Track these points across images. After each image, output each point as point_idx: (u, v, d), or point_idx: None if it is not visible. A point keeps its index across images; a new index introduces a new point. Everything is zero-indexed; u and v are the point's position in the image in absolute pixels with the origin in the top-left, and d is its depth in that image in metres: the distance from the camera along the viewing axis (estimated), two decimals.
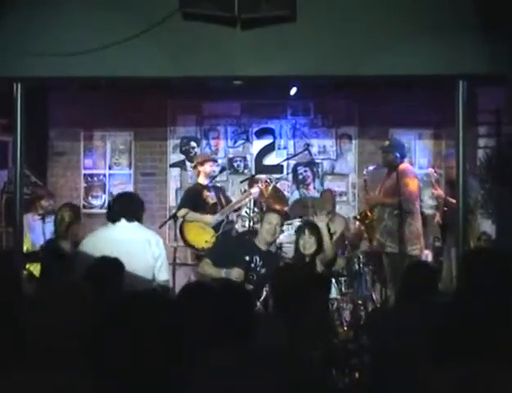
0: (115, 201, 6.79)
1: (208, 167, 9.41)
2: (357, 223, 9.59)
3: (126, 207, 6.50)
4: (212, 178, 9.52)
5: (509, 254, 4.58)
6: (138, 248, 6.26)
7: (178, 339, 2.22)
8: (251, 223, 9.14)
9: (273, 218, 7.38)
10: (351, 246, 9.24)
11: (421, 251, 8.73)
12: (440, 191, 8.91)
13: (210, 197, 9.28)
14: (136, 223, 6.44)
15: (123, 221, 6.40)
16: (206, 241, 8.69)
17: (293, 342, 4.44)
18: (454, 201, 8.01)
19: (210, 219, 9.06)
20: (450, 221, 8.43)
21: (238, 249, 7.27)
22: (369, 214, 9.02)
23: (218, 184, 10.12)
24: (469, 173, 8.31)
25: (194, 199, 9.27)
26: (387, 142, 9.20)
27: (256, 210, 9.27)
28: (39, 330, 2.87)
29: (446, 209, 8.82)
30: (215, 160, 9.89)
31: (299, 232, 7.49)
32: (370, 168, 9.35)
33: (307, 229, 7.35)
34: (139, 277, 6.07)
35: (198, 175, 9.56)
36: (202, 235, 8.92)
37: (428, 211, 10.53)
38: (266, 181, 9.30)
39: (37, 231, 8.84)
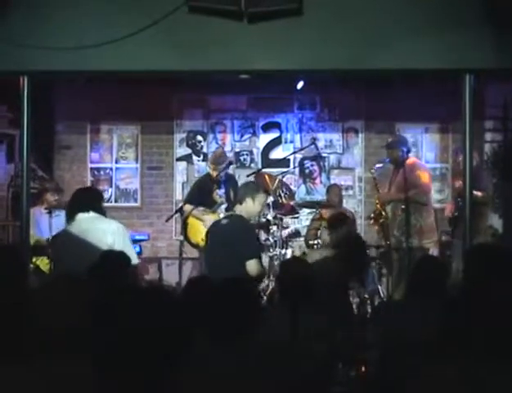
0: (70, 199, 6.82)
1: (212, 167, 9.29)
2: (372, 222, 9.49)
3: (79, 200, 6.55)
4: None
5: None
6: (93, 238, 6.25)
7: (181, 333, 2.22)
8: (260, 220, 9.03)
9: (264, 198, 7.23)
10: None
11: (436, 245, 8.68)
12: (461, 183, 8.67)
13: (219, 195, 9.18)
14: (92, 214, 6.44)
15: (79, 214, 6.42)
16: (202, 239, 8.51)
17: (299, 336, 4.44)
18: (478, 193, 8.07)
19: (207, 219, 8.90)
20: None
21: None
22: (383, 212, 8.97)
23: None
24: (482, 166, 8.32)
25: (201, 195, 9.18)
26: (390, 139, 9.16)
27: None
28: (40, 325, 2.87)
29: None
30: (217, 164, 9.38)
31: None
32: (378, 166, 9.33)
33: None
34: None
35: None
36: (201, 233, 8.77)
37: (436, 205, 10.51)
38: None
39: (44, 224, 8.86)
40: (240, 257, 6.60)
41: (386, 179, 9.17)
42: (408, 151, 8.79)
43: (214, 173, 9.20)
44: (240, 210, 7.02)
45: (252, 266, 6.51)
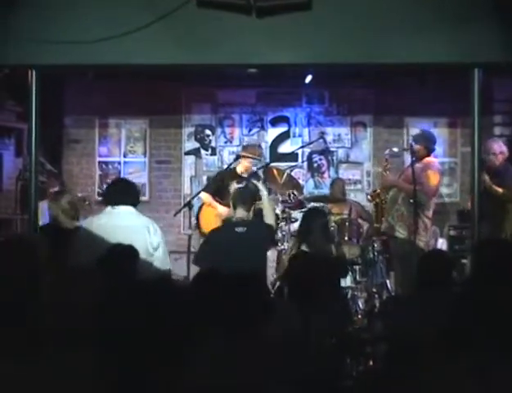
0: (113, 186, 6.77)
1: (246, 162, 9.27)
2: (369, 198, 9.52)
3: (124, 192, 6.44)
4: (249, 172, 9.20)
5: None
6: (137, 235, 6.17)
7: (189, 326, 2.23)
8: None
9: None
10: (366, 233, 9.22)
11: (428, 246, 8.57)
12: (486, 177, 8.43)
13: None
14: (133, 210, 6.37)
15: (121, 206, 6.34)
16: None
17: (307, 330, 4.44)
18: (499, 189, 8.19)
19: (222, 210, 8.85)
20: (490, 209, 8.14)
21: None
22: (381, 194, 8.91)
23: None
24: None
25: (219, 184, 9.16)
26: (417, 132, 9.10)
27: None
28: (51, 317, 2.88)
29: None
30: (255, 159, 9.37)
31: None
32: (395, 149, 9.29)
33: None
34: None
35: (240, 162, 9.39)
36: (213, 224, 8.69)
37: (445, 199, 10.49)
38: None
39: None
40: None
41: (398, 167, 9.13)
42: (430, 149, 8.54)
43: (244, 166, 9.21)
44: (243, 215, 7.09)
45: None
